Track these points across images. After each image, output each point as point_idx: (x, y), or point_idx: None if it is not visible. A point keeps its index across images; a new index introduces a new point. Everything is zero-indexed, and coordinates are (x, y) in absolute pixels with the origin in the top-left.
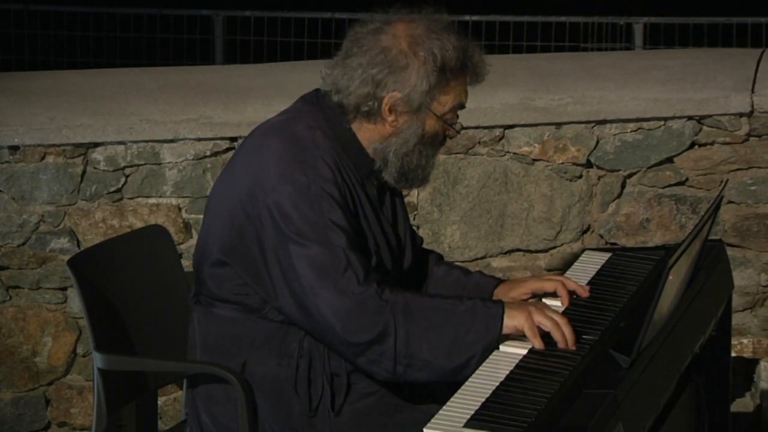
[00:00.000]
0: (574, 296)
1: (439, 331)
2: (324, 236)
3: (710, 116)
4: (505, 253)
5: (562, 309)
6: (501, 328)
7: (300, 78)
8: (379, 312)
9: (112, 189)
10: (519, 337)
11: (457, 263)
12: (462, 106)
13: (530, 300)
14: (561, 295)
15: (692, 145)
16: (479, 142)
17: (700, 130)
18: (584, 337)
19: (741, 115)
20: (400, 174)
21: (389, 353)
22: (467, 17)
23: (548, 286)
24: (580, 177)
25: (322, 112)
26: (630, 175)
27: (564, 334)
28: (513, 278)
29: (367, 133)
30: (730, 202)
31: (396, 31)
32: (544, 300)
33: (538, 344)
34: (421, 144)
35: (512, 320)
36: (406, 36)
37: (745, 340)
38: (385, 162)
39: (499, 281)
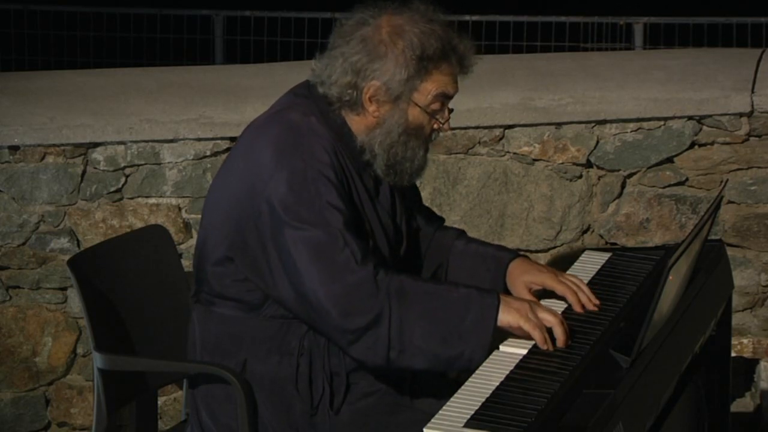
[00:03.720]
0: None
1: (433, 318)
2: (321, 218)
3: (710, 116)
4: None
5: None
6: (496, 319)
7: (300, 78)
8: (374, 296)
9: (112, 189)
10: (519, 336)
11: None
12: (448, 97)
13: (529, 298)
14: (571, 302)
15: (692, 145)
16: (479, 142)
17: (700, 130)
18: (582, 335)
19: (741, 115)
20: (387, 167)
21: (383, 339)
22: (467, 17)
23: (560, 290)
24: (580, 177)
25: (315, 103)
26: (630, 175)
27: (546, 337)
28: (531, 260)
29: (354, 126)
30: (730, 202)
31: (379, 23)
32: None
33: (539, 337)
34: (406, 135)
35: (506, 315)
36: (388, 26)
37: (745, 340)
38: (373, 155)
39: (516, 255)
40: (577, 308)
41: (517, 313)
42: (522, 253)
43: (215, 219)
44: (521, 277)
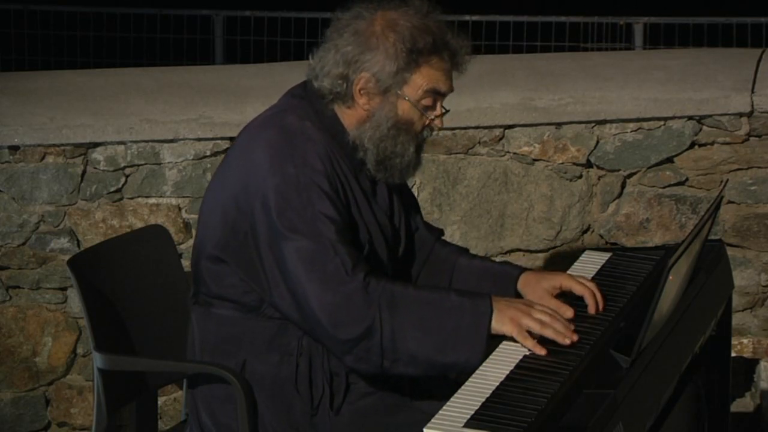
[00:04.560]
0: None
1: (426, 327)
2: (312, 228)
3: (710, 116)
4: (505, 253)
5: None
6: (489, 327)
7: (300, 78)
8: (365, 306)
9: (112, 189)
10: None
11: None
12: (440, 94)
13: (520, 299)
14: (588, 304)
15: (692, 145)
16: (479, 142)
17: (700, 130)
18: (582, 335)
19: (741, 115)
20: (377, 162)
21: (376, 349)
22: (467, 17)
23: (577, 290)
24: (580, 177)
25: (311, 104)
26: (630, 175)
27: (555, 331)
28: (539, 270)
29: (346, 120)
30: (730, 202)
31: (374, 17)
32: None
33: (532, 346)
34: (396, 129)
35: (500, 325)
36: (382, 20)
37: (745, 340)
38: (364, 150)
39: (523, 269)
40: (592, 310)
41: (511, 323)
42: (522, 253)
43: (212, 219)
44: (540, 284)
